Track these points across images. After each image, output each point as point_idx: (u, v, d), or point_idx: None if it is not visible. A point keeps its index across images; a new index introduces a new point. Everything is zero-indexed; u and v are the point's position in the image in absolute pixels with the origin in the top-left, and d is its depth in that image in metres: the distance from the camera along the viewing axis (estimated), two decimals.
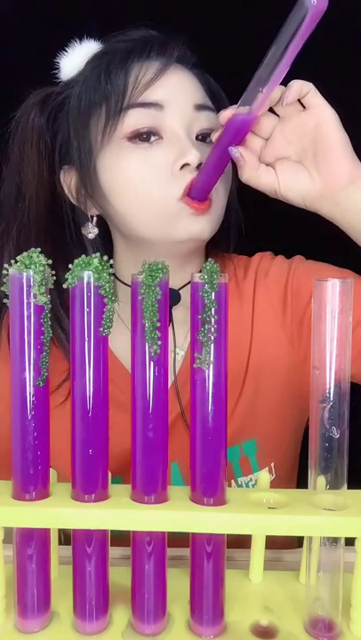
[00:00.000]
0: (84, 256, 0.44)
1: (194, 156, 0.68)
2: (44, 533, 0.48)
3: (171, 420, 0.76)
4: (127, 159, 0.70)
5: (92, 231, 0.76)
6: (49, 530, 0.49)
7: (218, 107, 0.75)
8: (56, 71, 0.77)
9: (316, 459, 0.47)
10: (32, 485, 0.46)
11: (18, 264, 0.44)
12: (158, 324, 0.44)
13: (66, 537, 0.71)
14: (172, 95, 0.71)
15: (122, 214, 0.72)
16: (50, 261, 0.45)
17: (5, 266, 0.45)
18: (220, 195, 0.72)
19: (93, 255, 0.44)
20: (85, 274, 0.44)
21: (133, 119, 0.69)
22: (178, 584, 0.51)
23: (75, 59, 0.75)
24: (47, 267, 0.45)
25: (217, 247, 0.81)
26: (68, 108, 0.73)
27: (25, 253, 0.44)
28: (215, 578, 0.48)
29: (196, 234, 0.70)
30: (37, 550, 0.48)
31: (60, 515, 0.46)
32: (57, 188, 0.76)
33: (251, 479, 0.79)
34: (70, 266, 0.44)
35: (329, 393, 0.46)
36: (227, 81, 0.76)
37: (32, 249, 0.45)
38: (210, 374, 0.45)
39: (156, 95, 0.70)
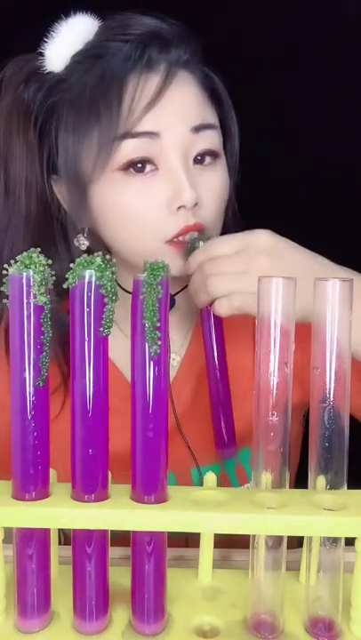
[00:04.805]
0: (85, 255, 0.44)
1: (189, 196, 0.66)
2: (44, 533, 0.48)
3: None
4: (122, 193, 0.67)
5: (82, 243, 0.73)
6: (49, 530, 0.49)
7: (219, 106, 0.73)
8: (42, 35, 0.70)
9: (316, 459, 0.47)
10: (32, 485, 0.46)
11: (18, 264, 0.44)
12: (159, 324, 0.44)
13: (66, 537, 0.71)
14: (169, 120, 0.67)
15: (110, 239, 0.71)
16: (50, 261, 0.45)
17: (5, 266, 0.45)
18: (213, 225, 0.70)
19: (96, 254, 0.44)
20: (87, 272, 0.44)
21: (128, 150, 0.66)
22: (178, 584, 0.51)
23: (62, 49, 0.70)
24: (47, 267, 0.45)
25: None
26: (56, 121, 0.69)
27: (25, 253, 0.44)
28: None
29: (183, 273, 0.68)
30: (37, 550, 0.48)
31: (60, 515, 0.46)
32: (48, 189, 0.72)
33: (248, 487, 0.78)
34: (72, 265, 0.44)
35: (329, 393, 0.46)
36: (229, 67, 0.73)
37: (32, 249, 0.45)
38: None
39: (153, 123, 0.66)
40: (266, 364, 0.46)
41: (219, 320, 0.69)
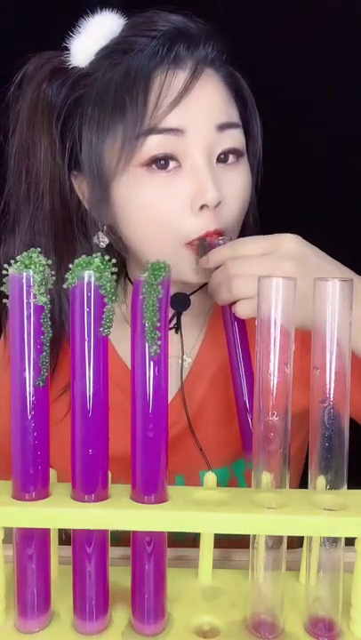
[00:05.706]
0: (84, 256, 0.44)
1: (213, 195, 0.65)
2: (44, 533, 0.48)
3: (176, 432, 0.75)
4: (144, 189, 0.67)
5: (102, 241, 0.72)
6: (49, 530, 0.49)
7: (242, 106, 0.73)
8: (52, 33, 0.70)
9: (316, 459, 0.47)
10: (32, 485, 0.46)
11: (18, 264, 0.44)
12: (159, 324, 0.44)
13: (67, 537, 0.71)
14: (194, 118, 0.66)
15: (129, 237, 0.70)
16: (50, 261, 0.45)
17: (5, 266, 0.45)
18: (233, 228, 0.70)
19: (94, 255, 0.44)
20: (86, 273, 0.44)
21: (152, 145, 0.65)
22: (178, 584, 0.51)
23: (87, 44, 0.69)
24: (47, 267, 0.45)
25: None
26: (80, 116, 0.68)
27: (25, 253, 0.44)
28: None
29: (202, 281, 0.69)
30: (37, 550, 0.48)
31: (60, 515, 0.46)
32: (68, 185, 0.72)
33: None
34: (71, 265, 0.44)
35: (329, 393, 0.46)
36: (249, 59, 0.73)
37: (32, 249, 0.45)
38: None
39: (178, 120, 0.65)
40: (266, 365, 0.46)
41: (242, 320, 0.67)
